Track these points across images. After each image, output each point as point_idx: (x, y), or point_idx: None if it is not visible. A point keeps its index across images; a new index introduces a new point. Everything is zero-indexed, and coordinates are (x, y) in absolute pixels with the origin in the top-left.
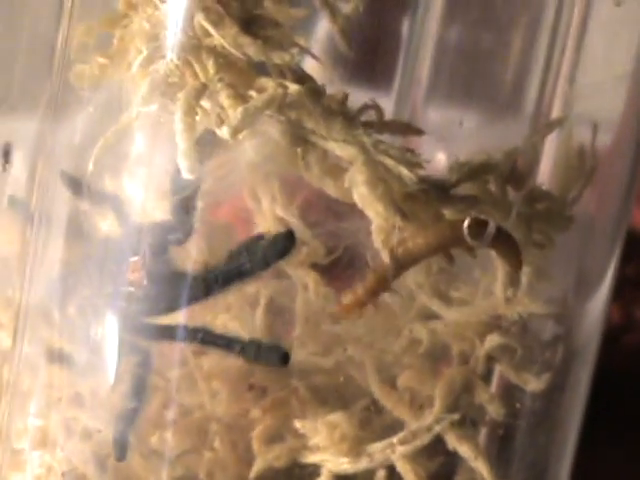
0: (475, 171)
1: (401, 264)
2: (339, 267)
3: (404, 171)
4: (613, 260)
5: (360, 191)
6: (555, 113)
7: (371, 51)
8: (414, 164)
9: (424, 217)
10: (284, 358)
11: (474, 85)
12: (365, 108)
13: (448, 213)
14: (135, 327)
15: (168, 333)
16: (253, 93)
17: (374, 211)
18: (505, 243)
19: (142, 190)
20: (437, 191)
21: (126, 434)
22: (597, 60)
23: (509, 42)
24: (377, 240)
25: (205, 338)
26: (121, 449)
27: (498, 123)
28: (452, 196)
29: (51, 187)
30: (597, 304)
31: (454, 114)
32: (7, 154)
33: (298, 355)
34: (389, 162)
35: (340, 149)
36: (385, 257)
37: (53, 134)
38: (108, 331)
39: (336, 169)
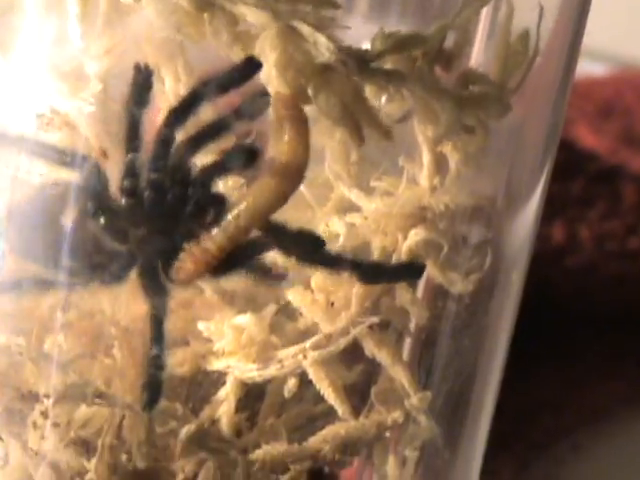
0: (402, 43)
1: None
2: None
3: (321, 38)
4: (544, 171)
5: (269, 60)
6: None
7: None
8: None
9: (340, 90)
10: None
11: None
12: None
13: (369, 89)
14: None
15: None
16: None
17: (282, 79)
18: None
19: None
20: (357, 62)
21: (158, 378)
22: None
23: None
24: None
25: None
26: (152, 395)
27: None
28: (374, 69)
29: None
30: (527, 215)
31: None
32: None
33: None
34: (305, 29)
35: (251, 14)
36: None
37: None
38: None
39: (246, 36)
